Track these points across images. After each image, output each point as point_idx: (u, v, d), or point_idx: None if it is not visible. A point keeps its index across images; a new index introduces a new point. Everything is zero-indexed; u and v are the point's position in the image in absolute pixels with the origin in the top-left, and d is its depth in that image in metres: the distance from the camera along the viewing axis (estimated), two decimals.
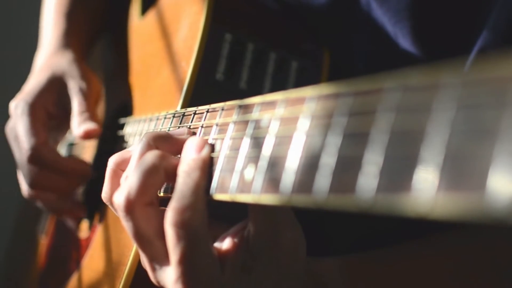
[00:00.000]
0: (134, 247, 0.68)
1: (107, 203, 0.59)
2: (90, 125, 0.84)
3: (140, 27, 1.01)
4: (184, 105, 0.71)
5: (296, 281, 0.56)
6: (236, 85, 0.75)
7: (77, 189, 0.93)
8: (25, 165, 0.85)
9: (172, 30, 0.85)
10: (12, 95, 0.91)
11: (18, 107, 0.86)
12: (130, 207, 0.52)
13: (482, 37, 0.65)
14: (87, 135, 0.84)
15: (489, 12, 0.65)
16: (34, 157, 0.83)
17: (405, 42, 0.71)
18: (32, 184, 0.86)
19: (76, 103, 0.87)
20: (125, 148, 0.82)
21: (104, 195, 0.59)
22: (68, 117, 0.89)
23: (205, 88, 0.73)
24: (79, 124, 0.85)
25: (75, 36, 1.01)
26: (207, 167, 0.52)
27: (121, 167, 0.59)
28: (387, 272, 0.68)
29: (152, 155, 0.53)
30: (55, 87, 0.90)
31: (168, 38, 0.85)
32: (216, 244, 0.56)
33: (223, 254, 0.54)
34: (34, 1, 1.24)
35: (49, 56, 0.96)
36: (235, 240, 0.55)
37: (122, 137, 0.86)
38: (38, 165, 0.85)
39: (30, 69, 1.03)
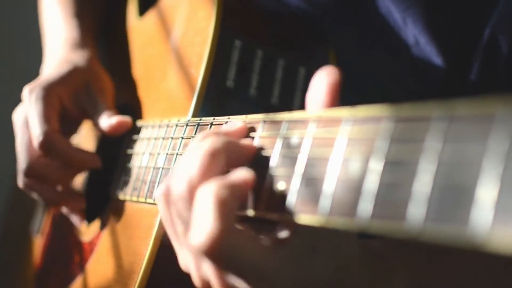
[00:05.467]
0: (147, 255, 0.67)
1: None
2: (123, 117, 0.84)
3: (140, 28, 1.00)
4: (195, 113, 0.71)
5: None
6: (246, 92, 0.75)
7: (74, 180, 0.92)
8: (26, 151, 0.84)
9: (175, 33, 0.84)
10: (10, 99, 0.90)
11: (33, 91, 0.84)
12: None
13: (494, 17, 0.67)
14: (120, 125, 0.84)
15: None
16: (45, 143, 0.81)
17: (414, 28, 0.72)
18: (28, 172, 0.84)
19: (101, 101, 0.87)
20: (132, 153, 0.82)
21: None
22: (81, 116, 0.89)
23: (216, 95, 0.73)
24: (109, 116, 0.85)
25: (89, 36, 1.00)
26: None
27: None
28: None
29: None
30: (75, 82, 0.88)
31: (173, 42, 0.84)
32: None
33: None
34: (34, 3, 1.21)
35: (67, 53, 0.94)
36: None
37: (129, 140, 0.85)
38: (48, 152, 0.83)
39: (27, 72, 1.01)
